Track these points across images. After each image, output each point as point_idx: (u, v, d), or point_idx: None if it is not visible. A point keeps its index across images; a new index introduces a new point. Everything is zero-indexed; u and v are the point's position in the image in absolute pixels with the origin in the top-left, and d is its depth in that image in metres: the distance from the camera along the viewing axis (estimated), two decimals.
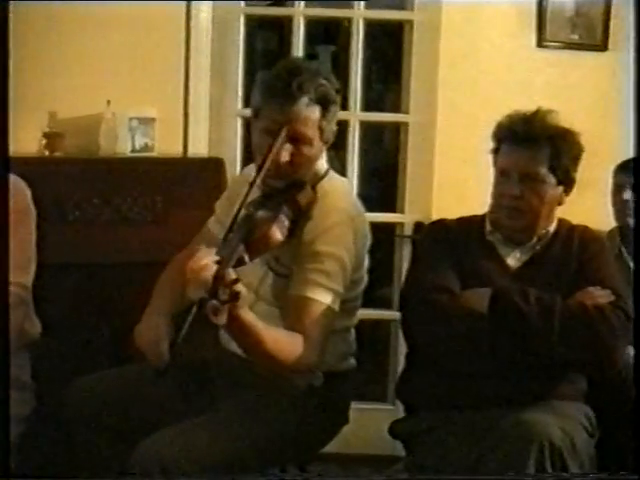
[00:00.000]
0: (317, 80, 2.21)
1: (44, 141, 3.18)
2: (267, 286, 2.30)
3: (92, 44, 3.23)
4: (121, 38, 3.25)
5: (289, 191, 2.23)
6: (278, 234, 2.13)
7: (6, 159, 1.79)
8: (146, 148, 3.25)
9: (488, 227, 2.44)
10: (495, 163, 2.41)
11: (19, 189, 2.46)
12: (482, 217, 2.47)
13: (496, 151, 2.41)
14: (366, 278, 2.41)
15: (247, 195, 2.10)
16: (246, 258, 2.03)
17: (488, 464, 2.11)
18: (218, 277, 1.84)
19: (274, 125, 2.19)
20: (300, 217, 2.21)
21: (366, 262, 2.38)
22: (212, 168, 3.18)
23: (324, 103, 2.22)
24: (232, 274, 1.88)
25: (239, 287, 1.87)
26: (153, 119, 3.26)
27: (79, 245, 3.02)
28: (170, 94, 3.32)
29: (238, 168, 3.37)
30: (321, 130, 2.24)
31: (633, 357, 2.30)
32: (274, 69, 2.26)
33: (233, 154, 3.41)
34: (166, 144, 3.30)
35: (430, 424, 2.34)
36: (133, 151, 3.24)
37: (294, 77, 2.18)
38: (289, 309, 2.18)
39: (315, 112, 2.21)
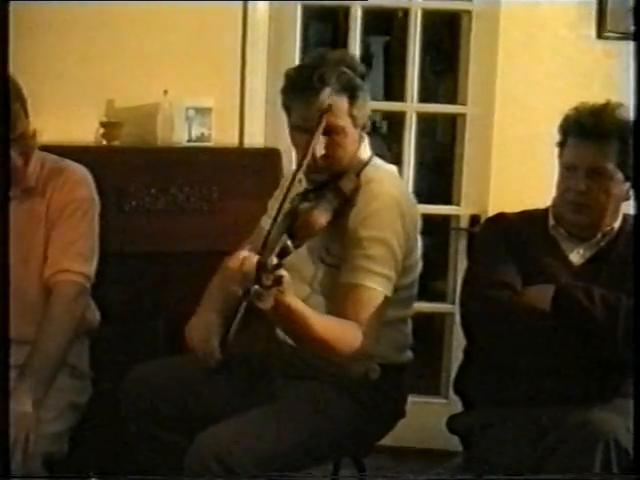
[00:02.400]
0: (338, 69, 2.20)
1: (102, 130, 3.20)
2: (320, 279, 2.29)
3: (150, 34, 3.25)
4: (179, 29, 3.27)
5: (333, 182, 2.23)
6: (321, 218, 2.12)
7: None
8: (202, 138, 3.25)
9: (551, 222, 2.39)
10: (561, 157, 2.36)
11: (84, 179, 2.45)
12: (545, 211, 2.43)
13: (562, 144, 2.35)
14: (420, 264, 2.37)
15: (289, 189, 2.05)
16: (290, 246, 2.00)
17: (552, 463, 2.07)
18: (260, 265, 1.82)
19: (303, 121, 2.21)
20: (345, 204, 2.20)
21: (419, 248, 2.35)
22: (268, 158, 3.18)
23: (349, 90, 2.21)
24: (274, 259, 1.86)
25: (281, 272, 1.85)
26: (210, 109, 3.26)
27: (135, 234, 3.05)
28: (227, 84, 3.33)
29: (294, 158, 3.35)
30: (352, 117, 2.23)
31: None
32: (298, 64, 2.28)
33: (289, 144, 3.38)
34: (222, 134, 3.31)
35: (490, 420, 2.32)
36: (190, 141, 3.24)
37: (315, 69, 2.19)
38: (339, 298, 2.17)
39: (341, 101, 2.20)
